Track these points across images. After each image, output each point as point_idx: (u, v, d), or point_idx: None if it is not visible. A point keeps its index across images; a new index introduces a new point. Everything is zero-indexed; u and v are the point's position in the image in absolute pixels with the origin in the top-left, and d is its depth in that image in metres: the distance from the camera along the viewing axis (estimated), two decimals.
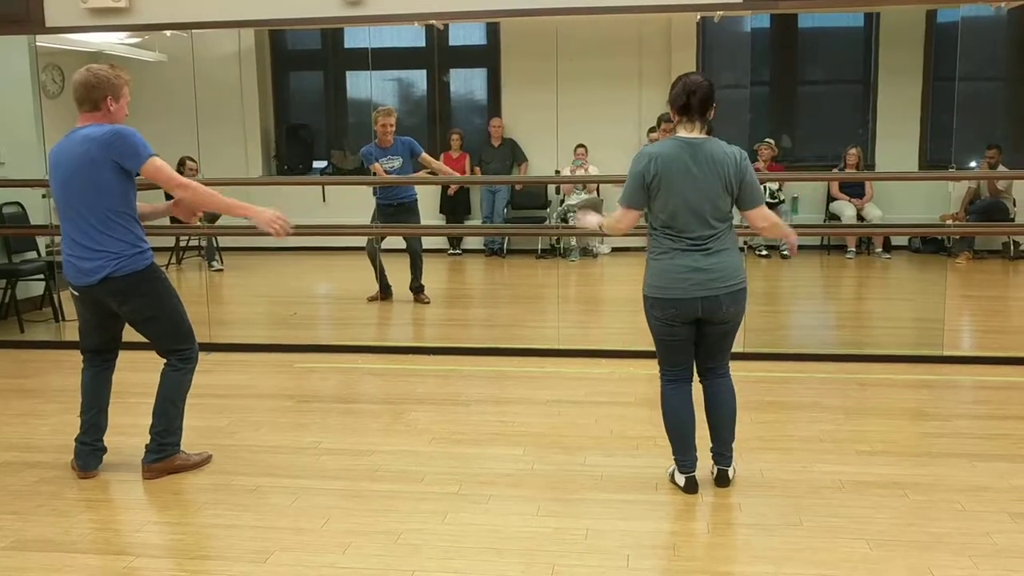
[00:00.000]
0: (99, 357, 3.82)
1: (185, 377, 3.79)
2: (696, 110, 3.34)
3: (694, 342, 3.45)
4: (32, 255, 6.94)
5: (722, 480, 3.57)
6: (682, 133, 3.38)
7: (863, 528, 3.20)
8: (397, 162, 6.99)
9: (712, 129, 3.40)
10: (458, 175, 7.04)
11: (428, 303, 7.21)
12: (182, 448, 3.83)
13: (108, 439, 3.83)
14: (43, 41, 6.45)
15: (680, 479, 3.53)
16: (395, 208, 7.05)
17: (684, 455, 3.52)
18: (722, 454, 3.57)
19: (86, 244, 3.55)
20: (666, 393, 3.51)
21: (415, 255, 7.23)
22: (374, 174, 6.92)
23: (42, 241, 7.02)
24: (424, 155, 7.08)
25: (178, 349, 3.76)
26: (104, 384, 3.83)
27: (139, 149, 3.50)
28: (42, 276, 6.80)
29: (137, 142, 3.51)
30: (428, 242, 7.55)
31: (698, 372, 3.55)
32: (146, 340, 3.74)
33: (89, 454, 3.78)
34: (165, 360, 3.78)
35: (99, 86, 3.54)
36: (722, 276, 3.32)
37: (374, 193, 7.11)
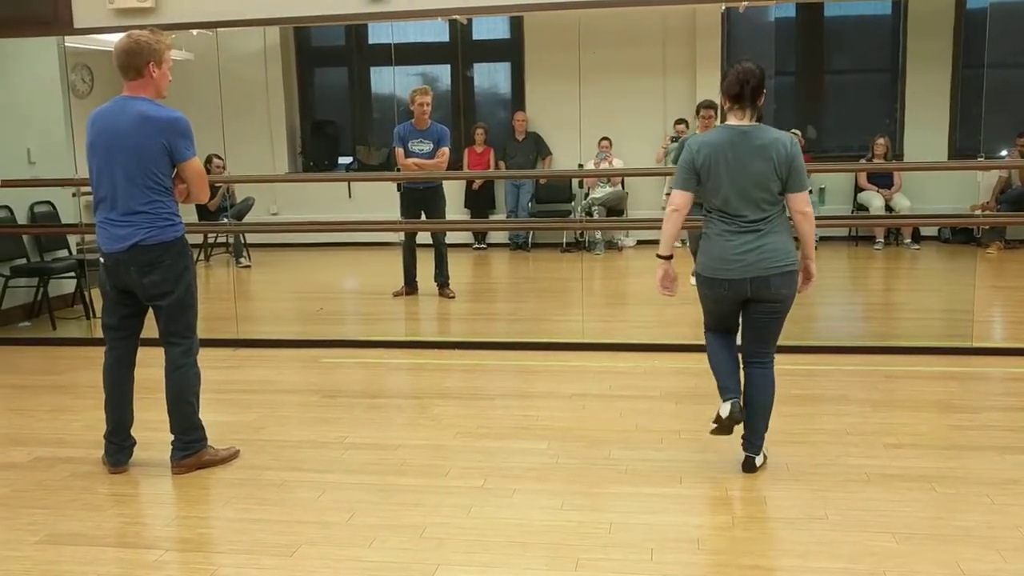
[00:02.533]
0: (118, 336, 3.79)
1: (190, 372, 3.77)
2: (748, 98, 3.42)
3: (742, 324, 3.56)
4: (63, 253, 7.04)
5: (748, 466, 3.60)
6: (732, 120, 3.46)
7: (889, 522, 3.18)
8: (428, 146, 6.93)
9: (762, 116, 3.47)
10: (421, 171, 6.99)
11: (453, 297, 7.23)
12: (209, 443, 3.87)
13: (138, 434, 3.88)
14: (72, 42, 6.54)
15: (724, 409, 3.53)
16: (422, 192, 7.03)
17: (725, 380, 3.57)
18: (751, 441, 3.59)
19: (121, 210, 3.60)
20: (709, 339, 3.65)
21: (440, 246, 7.24)
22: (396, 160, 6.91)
23: (73, 239, 7.13)
24: (443, 150, 6.96)
25: (179, 336, 3.74)
26: (124, 373, 3.81)
27: (191, 144, 3.62)
28: (73, 274, 6.90)
29: (191, 138, 3.63)
30: (452, 237, 7.55)
31: (743, 358, 3.61)
32: (166, 334, 3.75)
33: (118, 451, 3.83)
34: (165, 355, 3.76)
35: (140, 52, 3.59)
36: (773, 257, 3.39)
37: (398, 188, 7.12)
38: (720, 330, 3.64)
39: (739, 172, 3.37)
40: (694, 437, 3.97)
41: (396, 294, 7.22)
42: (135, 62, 3.59)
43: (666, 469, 3.69)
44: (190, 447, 3.80)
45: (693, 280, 3.61)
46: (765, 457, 3.64)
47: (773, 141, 3.39)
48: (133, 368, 3.86)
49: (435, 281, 7.22)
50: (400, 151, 6.90)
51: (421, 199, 7.02)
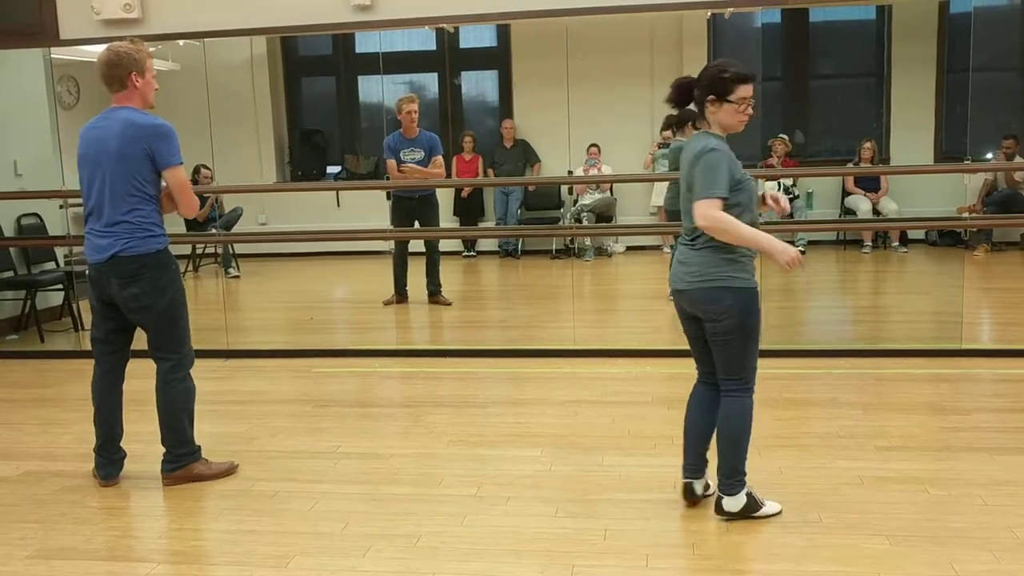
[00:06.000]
0: (105, 351, 3.76)
1: (179, 387, 3.73)
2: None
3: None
4: (51, 266, 7.01)
5: (716, 507, 3.30)
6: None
7: (883, 524, 3.18)
8: (419, 154, 6.92)
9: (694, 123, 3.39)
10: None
11: (450, 304, 7.22)
12: (203, 456, 3.85)
13: (129, 447, 3.86)
14: (58, 53, 6.51)
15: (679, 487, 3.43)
16: (415, 201, 7.01)
17: (685, 450, 3.40)
18: (691, 465, 3.41)
19: (105, 221, 3.58)
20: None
21: (435, 253, 7.22)
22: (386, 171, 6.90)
23: (60, 252, 7.09)
24: (438, 159, 7.00)
25: (167, 351, 3.70)
26: (112, 387, 3.78)
27: (174, 151, 3.60)
28: (61, 286, 6.86)
29: (175, 144, 3.60)
30: (442, 244, 7.54)
31: None
32: (154, 348, 3.73)
33: (108, 464, 3.81)
34: (156, 369, 3.73)
35: (121, 63, 3.59)
36: (694, 272, 3.16)
37: (388, 197, 7.10)
38: (699, 373, 3.41)
39: (682, 182, 3.24)
40: None
41: (387, 303, 7.20)
42: (117, 73, 3.59)
43: (660, 475, 3.69)
44: (180, 460, 3.77)
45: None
46: (749, 497, 3.25)
47: (689, 149, 3.21)
48: (122, 382, 3.83)
49: (428, 289, 7.20)
50: (392, 162, 6.88)
51: (415, 208, 7.02)
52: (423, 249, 7.27)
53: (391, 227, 7.02)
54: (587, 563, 2.98)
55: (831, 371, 5.19)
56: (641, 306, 7.32)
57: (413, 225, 7.06)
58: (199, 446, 3.84)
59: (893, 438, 4.05)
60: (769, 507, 3.29)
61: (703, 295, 3.16)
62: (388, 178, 7.03)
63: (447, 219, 9.22)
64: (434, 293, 7.21)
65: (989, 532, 3.10)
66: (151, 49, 3.75)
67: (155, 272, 3.61)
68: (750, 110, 3.17)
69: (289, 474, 3.87)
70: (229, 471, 3.87)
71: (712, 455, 3.32)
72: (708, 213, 3.04)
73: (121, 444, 3.84)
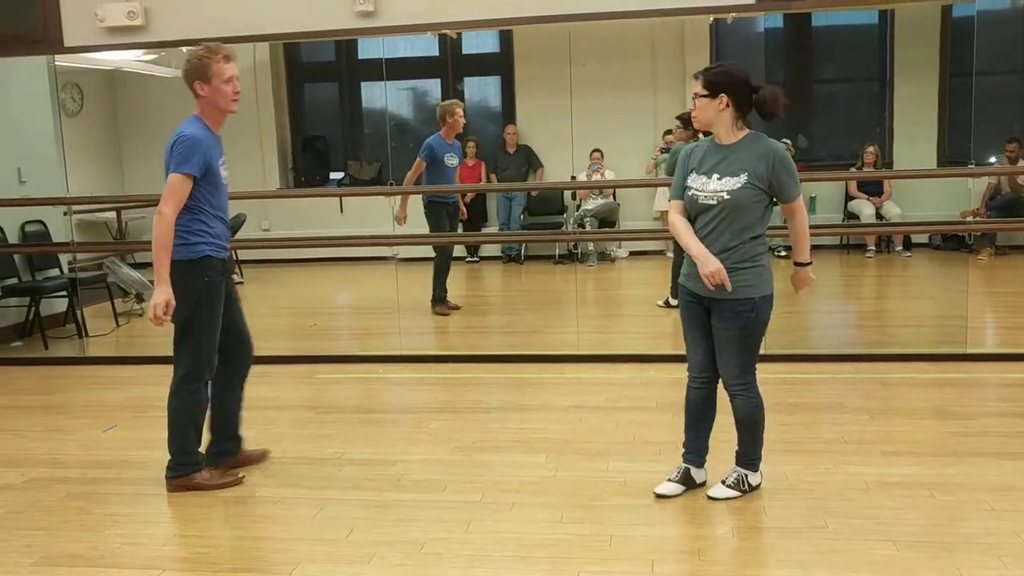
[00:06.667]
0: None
1: (188, 399, 3.70)
2: None
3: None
4: (55, 272, 7.01)
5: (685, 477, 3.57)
6: None
7: (890, 529, 3.17)
8: (456, 160, 7.01)
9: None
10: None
11: (459, 308, 7.26)
12: (212, 466, 3.84)
13: (134, 453, 3.86)
14: (62, 60, 6.52)
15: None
16: (452, 206, 7.11)
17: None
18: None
19: None
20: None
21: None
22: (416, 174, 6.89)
23: (64, 258, 7.09)
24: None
25: (178, 360, 3.69)
26: (214, 394, 3.84)
27: (177, 158, 3.54)
28: (65, 293, 6.86)
29: (183, 151, 3.54)
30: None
31: None
32: (173, 354, 3.73)
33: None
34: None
35: (188, 73, 3.62)
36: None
37: (425, 202, 7.04)
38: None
39: None
40: None
41: (442, 312, 7.14)
42: (187, 83, 3.63)
43: (665, 480, 3.68)
44: (180, 469, 3.76)
45: (673, 301, 3.59)
46: (705, 475, 3.56)
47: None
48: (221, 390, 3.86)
49: (440, 295, 7.20)
50: (424, 163, 6.87)
51: (451, 215, 7.08)
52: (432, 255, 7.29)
53: (430, 232, 7.03)
54: (593, 569, 2.97)
55: (836, 376, 5.18)
56: (645, 311, 7.31)
57: (446, 229, 7.09)
58: (203, 457, 3.83)
59: (899, 443, 4.03)
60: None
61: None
62: (392, 183, 7.01)
63: None
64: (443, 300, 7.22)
65: (997, 537, 3.09)
66: (228, 54, 3.67)
67: (179, 279, 3.57)
68: None
69: (293, 480, 3.86)
70: (233, 483, 3.83)
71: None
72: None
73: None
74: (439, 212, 7.02)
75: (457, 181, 7.72)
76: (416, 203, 7.10)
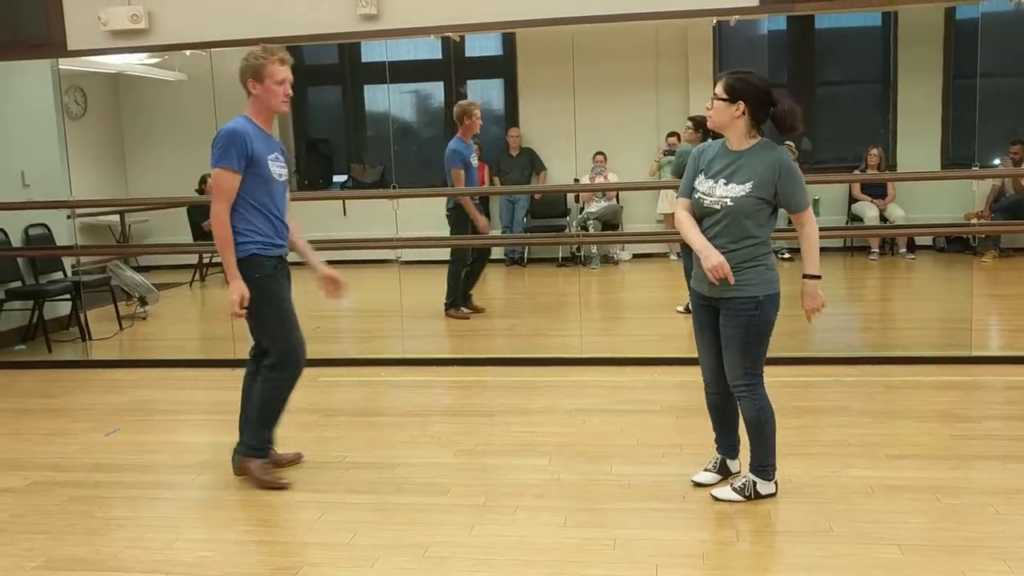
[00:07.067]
0: (252, 353, 3.89)
1: (268, 385, 3.78)
2: None
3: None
4: (58, 275, 7.01)
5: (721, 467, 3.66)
6: None
7: (895, 533, 3.16)
8: (476, 160, 7.01)
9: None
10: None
11: (483, 311, 7.32)
12: (268, 463, 3.85)
13: (137, 457, 3.86)
14: (65, 64, 6.53)
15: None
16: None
17: None
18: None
19: None
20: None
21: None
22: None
23: (68, 262, 7.10)
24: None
25: (269, 352, 3.78)
26: (248, 389, 3.88)
27: (219, 152, 3.57)
28: (68, 296, 6.87)
29: (223, 146, 3.57)
30: (447, 253, 7.52)
31: None
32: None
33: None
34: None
35: (243, 71, 3.66)
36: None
37: (449, 207, 7.02)
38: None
39: None
40: (696, 451, 3.94)
41: (478, 309, 7.21)
42: (241, 80, 3.67)
43: (669, 484, 3.67)
44: (247, 452, 3.82)
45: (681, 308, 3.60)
46: (743, 487, 3.49)
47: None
48: (253, 386, 3.90)
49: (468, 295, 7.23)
50: (460, 172, 6.83)
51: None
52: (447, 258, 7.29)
53: (452, 236, 7.05)
54: (596, 572, 2.96)
55: (840, 379, 5.16)
56: (648, 314, 7.30)
57: (468, 233, 7.08)
58: (270, 447, 3.87)
59: (904, 446, 4.02)
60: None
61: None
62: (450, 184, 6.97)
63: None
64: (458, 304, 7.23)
65: (1003, 541, 3.07)
66: (284, 57, 3.69)
67: (247, 274, 3.66)
68: None
69: (296, 484, 3.85)
70: (276, 487, 3.78)
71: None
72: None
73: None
74: (464, 217, 7.00)
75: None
76: (430, 205, 7.07)
